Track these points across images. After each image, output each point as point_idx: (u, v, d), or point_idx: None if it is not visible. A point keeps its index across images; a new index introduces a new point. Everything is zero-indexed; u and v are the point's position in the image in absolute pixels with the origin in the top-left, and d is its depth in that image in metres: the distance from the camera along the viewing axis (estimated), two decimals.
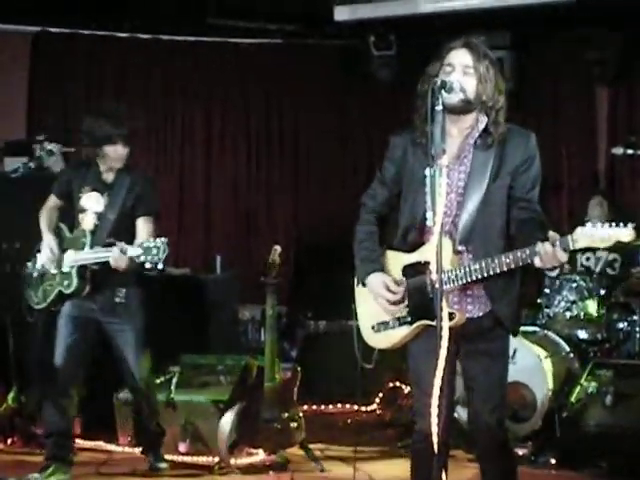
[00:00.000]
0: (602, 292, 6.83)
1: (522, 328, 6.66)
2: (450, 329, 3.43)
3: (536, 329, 6.72)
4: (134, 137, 5.52)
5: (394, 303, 3.76)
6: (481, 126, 3.73)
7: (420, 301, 3.71)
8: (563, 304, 6.85)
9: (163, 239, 4.88)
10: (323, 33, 9.05)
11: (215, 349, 7.05)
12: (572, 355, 6.61)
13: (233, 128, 9.52)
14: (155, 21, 8.90)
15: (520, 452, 5.95)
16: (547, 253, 3.42)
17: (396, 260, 3.83)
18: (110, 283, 5.35)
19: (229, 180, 9.52)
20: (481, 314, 3.76)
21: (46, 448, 5.51)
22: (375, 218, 3.95)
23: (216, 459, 5.86)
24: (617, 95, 8.67)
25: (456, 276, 3.63)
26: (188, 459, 5.99)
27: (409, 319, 3.76)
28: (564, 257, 3.44)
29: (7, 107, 8.81)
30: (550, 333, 6.67)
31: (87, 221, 5.36)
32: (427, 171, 3.59)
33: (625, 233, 3.41)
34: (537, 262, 3.47)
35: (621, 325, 6.80)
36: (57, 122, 8.60)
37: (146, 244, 4.88)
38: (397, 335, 3.81)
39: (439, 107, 3.41)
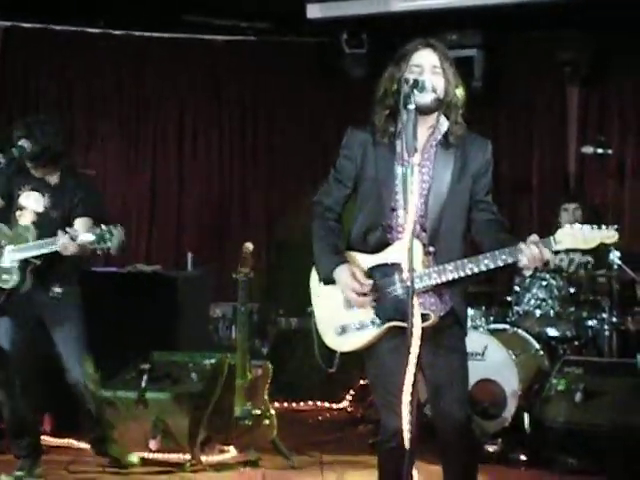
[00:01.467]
0: (572, 290, 6.87)
1: (492, 326, 6.74)
2: (422, 329, 3.44)
3: (506, 327, 6.76)
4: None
5: (363, 295, 3.73)
6: (443, 128, 3.76)
7: (390, 302, 3.71)
8: (533, 302, 6.89)
9: (118, 226, 4.86)
10: (296, 31, 9.06)
11: (186, 346, 7.03)
12: (542, 352, 6.66)
13: (206, 125, 9.51)
14: (128, 17, 8.86)
15: (490, 449, 5.99)
16: (532, 255, 3.44)
17: (357, 261, 3.79)
18: (46, 280, 5.29)
19: (202, 177, 9.51)
20: (443, 313, 3.78)
21: (12, 448, 5.51)
22: (333, 215, 3.90)
23: (187, 456, 5.86)
24: (588, 96, 8.73)
25: (429, 276, 3.64)
26: (159, 456, 5.97)
27: (378, 320, 3.74)
28: (549, 256, 3.46)
29: None
30: (520, 331, 6.72)
31: (25, 219, 5.27)
32: (399, 169, 3.60)
33: (608, 235, 3.44)
34: (522, 262, 3.49)
35: (590, 323, 6.85)
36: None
37: (98, 230, 4.84)
38: (364, 337, 3.77)
39: (412, 106, 3.42)
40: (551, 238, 3.46)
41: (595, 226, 3.45)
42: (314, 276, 3.90)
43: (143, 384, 6.04)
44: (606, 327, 6.77)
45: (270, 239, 9.32)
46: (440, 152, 3.75)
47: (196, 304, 7.70)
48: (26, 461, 5.44)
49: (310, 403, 7.77)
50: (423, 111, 3.66)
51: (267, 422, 5.83)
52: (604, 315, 6.81)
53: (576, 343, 6.83)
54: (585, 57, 8.35)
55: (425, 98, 3.62)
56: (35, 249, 5.16)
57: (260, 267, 7.66)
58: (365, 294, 3.71)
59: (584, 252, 6.92)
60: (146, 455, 5.95)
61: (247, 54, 9.43)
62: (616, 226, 3.47)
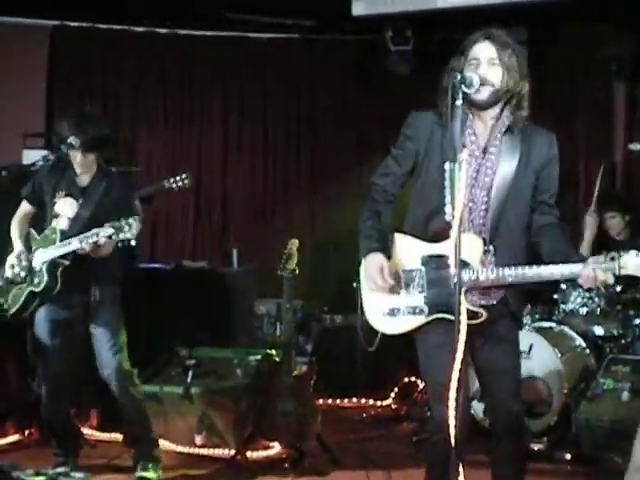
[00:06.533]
0: (618, 288, 6.81)
1: (538, 324, 6.69)
2: (469, 325, 3.44)
3: (552, 325, 6.71)
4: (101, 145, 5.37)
5: (381, 290, 3.73)
6: (507, 120, 3.73)
7: (439, 294, 3.70)
8: (579, 300, 6.83)
9: (136, 217, 4.87)
10: (340, 28, 9.06)
11: (231, 342, 7.07)
12: (588, 351, 6.60)
13: (250, 123, 9.53)
14: (173, 16, 8.92)
15: (535, 447, 5.97)
16: (596, 278, 3.45)
17: (412, 246, 3.77)
18: (82, 282, 5.28)
19: (246, 174, 9.54)
20: (495, 302, 3.76)
21: (53, 445, 5.57)
22: (384, 197, 3.89)
23: (232, 452, 5.89)
24: (635, 92, 8.64)
25: (487, 277, 3.61)
26: (204, 451, 6.01)
27: (426, 310, 3.74)
28: (611, 281, 3.47)
29: (26, 100, 8.87)
30: (566, 329, 6.66)
31: (61, 225, 5.26)
32: (446, 165, 3.58)
33: None
34: (581, 281, 3.50)
35: (637, 321, 6.77)
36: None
37: (117, 223, 4.85)
38: (408, 324, 3.76)
39: (459, 102, 3.41)
40: (615, 264, 3.44)
41: None
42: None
43: (189, 380, 6.10)
44: None
45: (313, 237, 9.32)
46: (505, 144, 3.72)
47: (241, 301, 7.73)
48: (63, 459, 5.50)
49: (354, 400, 7.78)
50: (483, 106, 3.66)
51: (311, 419, 5.84)
52: None
53: (622, 341, 6.75)
54: (630, 52, 8.26)
55: (482, 93, 3.61)
56: (58, 249, 5.17)
57: (305, 264, 7.67)
58: (382, 289, 3.73)
59: None
60: (191, 450, 5.99)
61: (291, 52, 9.45)
62: None
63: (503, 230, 3.70)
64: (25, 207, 5.52)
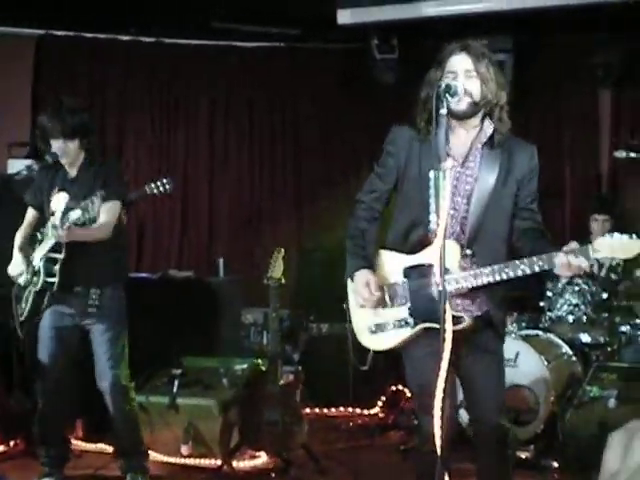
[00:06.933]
0: (604, 295, 6.83)
1: (525, 331, 6.69)
2: (453, 332, 3.44)
3: (539, 332, 6.72)
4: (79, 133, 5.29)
5: (369, 305, 3.77)
6: (488, 130, 3.75)
7: (423, 303, 3.71)
8: (566, 307, 6.85)
9: (98, 194, 4.84)
10: (326, 37, 9.06)
11: (218, 352, 7.05)
12: (575, 358, 6.61)
13: (236, 132, 9.52)
14: (158, 24, 8.91)
15: (522, 456, 5.96)
16: (569, 263, 3.43)
17: (395, 260, 3.82)
18: (85, 284, 5.24)
19: (233, 183, 9.52)
20: (480, 313, 3.78)
21: (39, 455, 5.52)
22: (369, 215, 3.95)
23: (218, 462, 5.87)
24: (620, 99, 8.66)
25: (465, 279, 3.64)
26: (190, 461, 5.99)
27: (411, 321, 3.76)
28: (585, 265, 3.45)
29: (11, 109, 8.83)
30: (553, 336, 6.67)
31: (54, 220, 5.21)
32: (431, 174, 3.60)
33: None
34: (558, 270, 3.49)
35: (624, 328, 6.78)
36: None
37: (83, 204, 4.85)
38: (396, 337, 3.81)
39: (444, 111, 3.41)
40: (589, 246, 3.45)
41: (634, 235, 3.43)
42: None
43: (175, 389, 6.08)
44: (639, 332, 6.72)
45: (300, 245, 9.31)
46: (486, 155, 3.76)
47: (228, 310, 7.71)
48: (49, 469, 5.46)
49: (341, 409, 7.75)
50: (461, 117, 3.68)
51: (298, 428, 5.83)
52: (637, 320, 6.74)
53: (609, 349, 6.77)
54: (616, 59, 8.28)
55: (460, 104, 3.64)
56: (47, 243, 5.17)
57: (291, 273, 7.66)
58: (369, 304, 3.77)
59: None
60: (177, 460, 5.97)
61: (277, 61, 9.44)
62: None
63: (483, 236, 3.73)
64: (29, 215, 5.53)
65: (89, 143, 5.38)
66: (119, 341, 5.34)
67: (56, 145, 5.27)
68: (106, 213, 5.12)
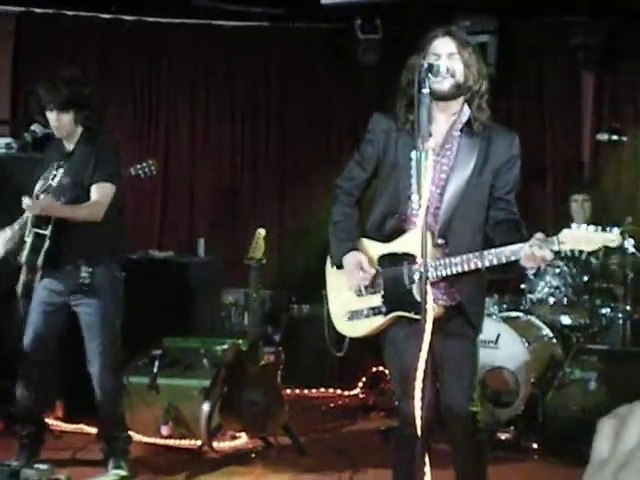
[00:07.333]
0: (585, 278, 6.84)
1: (506, 314, 6.71)
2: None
3: (519, 314, 6.73)
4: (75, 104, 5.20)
5: (365, 284, 3.75)
6: (465, 116, 3.74)
7: (396, 292, 3.71)
8: (547, 290, 6.86)
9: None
10: (309, 16, 9.01)
11: (198, 332, 7.04)
12: (555, 340, 6.63)
13: (218, 111, 9.46)
14: (139, 2, 8.84)
15: (502, 437, 5.99)
16: (534, 255, 3.42)
17: (370, 248, 3.82)
18: (75, 261, 5.15)
19: (214, 163, 9.47)
20: (453, 303, 3.78)
21: (17, 432, 5.48)
22: (351, 200, 3.94)
23: (199, 442, 5.86)
24: (603, 81, 8.66)
25: (436, 268, 3.62)
26: (170, 442, 5.98)
27: (384, 309, 3.75)
28: (550, 256, 3.45)
29: None
30: (533, 318, 6.69)
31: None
32: (413, 154, 3.58)
33: (611, 238, 3.43)
34: (522, 261, 3.48)
35: (604, 311, 6.81)
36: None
37: (44, 173, 4.85)
38: (370, 325, 3.81)
39: (426, 90, 3.39)
40: (555, 238, 3.45)
41: (599, 228, 3.43)
42: (329, 260, 3.92)
43: (155, 370, 6.06)
44: (620, 315, 6.75)
45: (282, 226, 9.29)
46: (464, 142, 3.73)
47: (208, 290, 7.70)
48: (26, 450, 5.41)
49: (322, 390, 7.77)
50: (442, 97, 3.65)
51: (279, 408, 5.82)
52: (617, 303, 6.78)
53: (590, 331, 6.79)
54: (597, 41, 8.26)
55: (443, 84, 3.62)
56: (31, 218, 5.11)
57: (272, 254, 7.64)
58: (366, 284, 3.73)
59: None
60: (157, 441, 5.96)
61: (260, 40, 9.38)
62: (620, 229, 3.47)
63: (456, 226, 3.72)
64: None
65: (87, 118, 5.27)
66: (111, 325, 5.26)
67: (50, 116, 5.19)
68: (95, 194, 5.07)
